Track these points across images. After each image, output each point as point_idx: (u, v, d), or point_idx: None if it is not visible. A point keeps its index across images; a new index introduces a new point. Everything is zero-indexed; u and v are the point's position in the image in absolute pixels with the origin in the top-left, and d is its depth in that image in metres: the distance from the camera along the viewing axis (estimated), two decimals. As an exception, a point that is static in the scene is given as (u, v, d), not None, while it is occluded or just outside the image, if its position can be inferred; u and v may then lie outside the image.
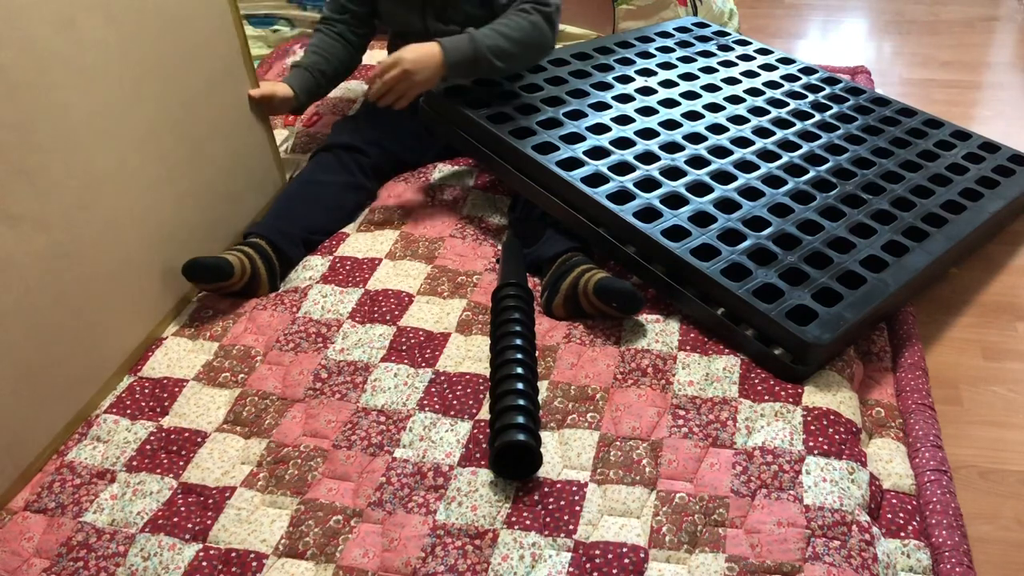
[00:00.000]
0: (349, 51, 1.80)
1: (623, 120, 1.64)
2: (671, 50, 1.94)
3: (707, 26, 2.09)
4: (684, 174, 1.52)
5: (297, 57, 2.23)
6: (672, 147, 1.59)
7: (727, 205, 1.45)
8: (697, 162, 1.56)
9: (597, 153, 1.53)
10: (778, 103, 1.79)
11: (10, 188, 1.10)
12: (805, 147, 1.64)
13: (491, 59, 1.53)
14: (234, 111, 1.56)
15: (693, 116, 1.69)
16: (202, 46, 1.46)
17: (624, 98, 1.72)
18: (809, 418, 1.18)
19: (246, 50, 1.57)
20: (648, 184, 1.48)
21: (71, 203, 1.19)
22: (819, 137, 1.68)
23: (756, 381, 1.24)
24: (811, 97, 1.83)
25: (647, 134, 1.62)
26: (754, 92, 1.81)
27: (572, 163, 1.49)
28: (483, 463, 1.14)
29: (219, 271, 1.39)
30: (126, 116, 1.30)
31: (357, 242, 1.57)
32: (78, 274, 1.21)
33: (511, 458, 1.11)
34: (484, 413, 1.21)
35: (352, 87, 2.09)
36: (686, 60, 1.91)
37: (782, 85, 1.86)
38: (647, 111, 1.69)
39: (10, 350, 1.11)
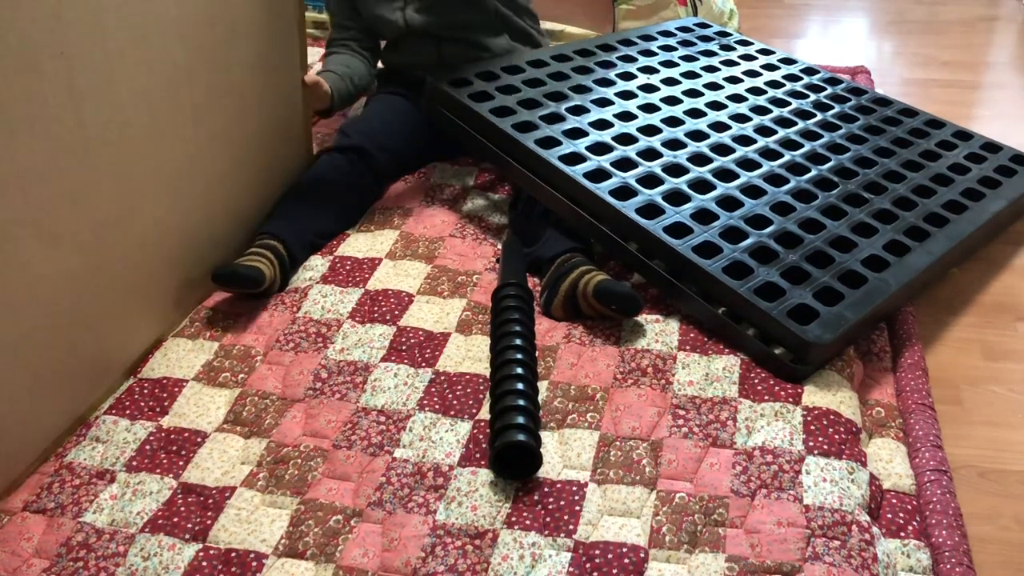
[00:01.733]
0: (366, 63, 1.85)
1: (625, 116, 1.64)
2: (673, 48, 1.94)
3: (709, 26, 2.09)
4: (686, 171, 1.52)
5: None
6: (674, 144, 1.59)
7: (729, 203, 1.45)
8: (699, 159, 1.56)
9: (599, 149, 1.53)
10: (780, 102, 1.79)
11: (56, 210, 1.10)
12: (807, 146, 1.64)
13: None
14: (281, 124, 1.56)
15: (695, 113, 1.69)
16: (265, 62, 1.45)
17: (626, 94, 1.72)
18: (809, 418, 1.17)
19: (304, 62, 1.56)
20: (650, 181, 1.47)
21: (109, 222, 1.19)
22: (821, 136, 1.68)
23: (756, 381, 1.24)
24: (813, 97, 1.83)
25: (649, 130, 1.62)
26: (756, 91, 1.81)
27: (574, 158, 1.49)
28: (483, 463, 1.14)
29: (255, 282, 1.38)
30: (180, 136, 1.29)
31: (357, 242, 1.57)
32: (103, 289, 1.22)
33: (511, 458, 1.11)
34: (484, 413, 1.21)
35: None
36: (688, 59, 1.91)
37: (784, 84, 1.86)
38: (649, 108, 1.69)
39: (33, 358, 1.11)
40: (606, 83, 1.75)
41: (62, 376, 1.18)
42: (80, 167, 1.12)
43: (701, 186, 1.49)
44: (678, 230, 1.37)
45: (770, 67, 1.94)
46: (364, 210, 1.66)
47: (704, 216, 1.41)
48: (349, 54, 1.82)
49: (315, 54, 2.24)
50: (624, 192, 1.43)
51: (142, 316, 1.32)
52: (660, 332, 1.33)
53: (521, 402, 1.14)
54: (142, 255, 1.28)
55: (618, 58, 1.85)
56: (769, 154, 1.60)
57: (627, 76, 1.79)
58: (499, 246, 1.55)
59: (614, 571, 1.00)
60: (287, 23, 1.48)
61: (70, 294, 1.15)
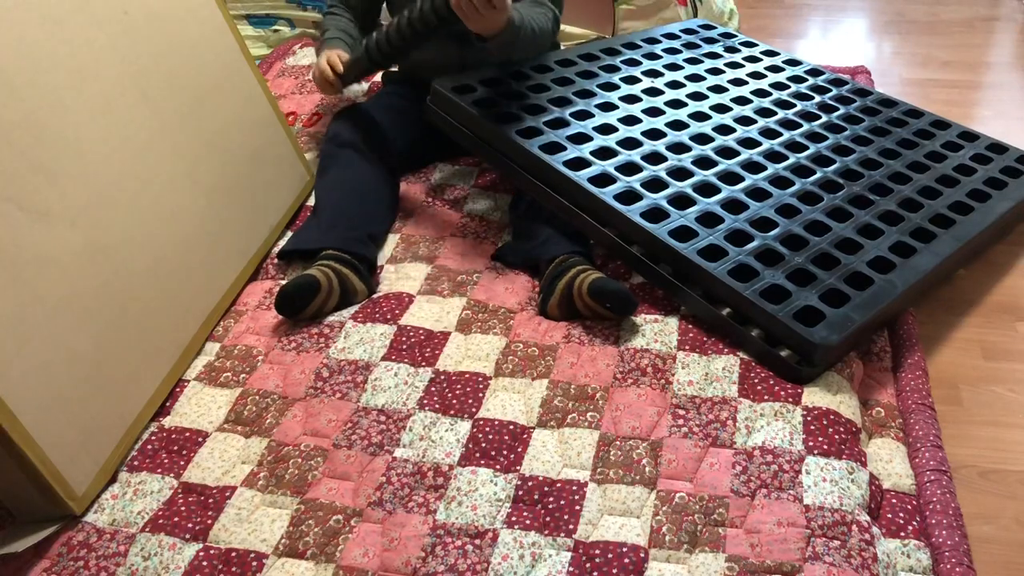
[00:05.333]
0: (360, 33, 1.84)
1: (630, 120, 1.64)
2: (677, 51, 1.94)
3: (713, 28, 2.08)
4: (691, 175, 1.51)
5: (297, 56, 2.23)
6: (679, 148, 1.59)
7: (734, 206, 1.45)
8: (704, 163, 1.56)
9: (604, 153, 1.53)
10: (785, 104, 1.78)
11: (34, 185, 1.11)
12: (812, 148, 1.64)
13: (520, 43, 1.57)
14: (245, 105, 1.58)
15: (700, 117, 1.69)
16: (197, 44, 1.48)
17: (631, 99, 1.72)
18: (809, 418, 1.17)
19: (244, 47, 1.59)
20: (655, 184, 1.47)
21: (94, 199, 1.20)
22: (826, 138, 1.68)
23: (756, 381, 1.24)
24: (818, 98, 1.82)
25: (654, 134, 1.61)
26: (761, 93, 1.81)
27: (579, 163, 1.49)
28: (483, 462, 1.14)
29: (310, 288, 1.36)
30: (131, 113, 1.31)
31: (358, 243, 1.57)
32: (117, 269, 1.22)
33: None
34: (484, 412, 1.21)
35: (351, 87, 2.09)
36: (692, 61, 1.91)
37: (788, 87, 1.86)
38: (654, 112, 1.69)
39: (59, 343, 1.12)
40: (610, 87, 1.75)
41: (110, 358, 1.19)
42: (40, 146, 1.14)
43: (706, 189, 1.48)
44: (683, 234, 1.37)
45: (775, 68, 1.93)
46: (395, 189, 1.66)
47: (710, 219, 1.41)
48: (347, 19, 1.81)
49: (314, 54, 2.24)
50: (629, 196, 1.43)
51: (171, 298, 1.32)
52: (659, 332, 1.33)
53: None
54: (148, 235, 1.29)
55: (622, 62, 1.85)
56: (774, 157, 1.60)
57: (631, 80, 1.79)
58: (499, 245, 1.55)
59: (614, 571, 1.00)
60: (211, 11, 1.53)
61: (86, 272, 1.17)
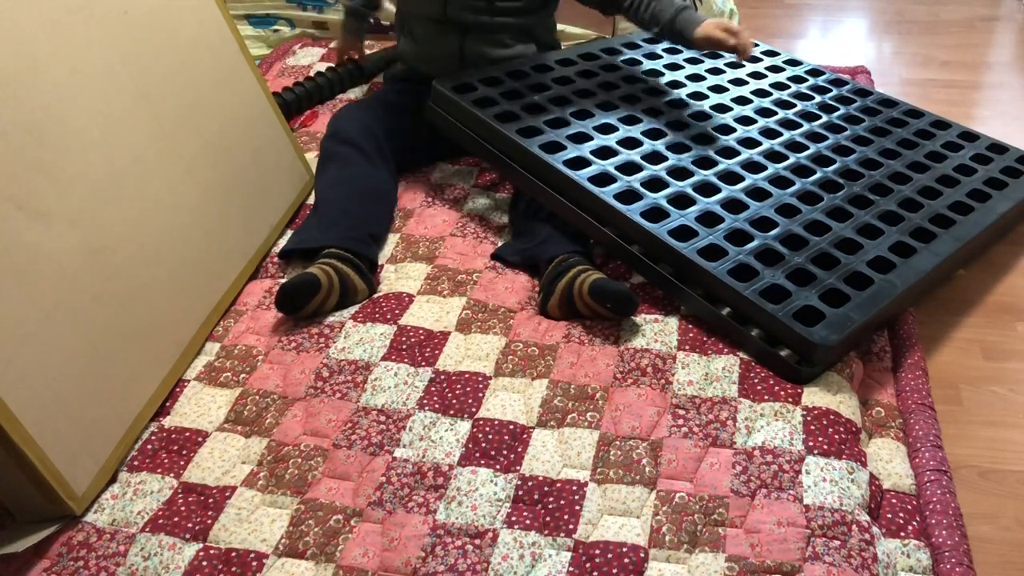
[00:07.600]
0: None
1: (630, 120, 1.64)
2: (677, 51, 1.94)
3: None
4: (691, 174, 1.51)
5: (297, 56, 2.23)
6: (679, 147, 1.59)
7: (734, 205, 1.45)
8: (704, 162, 1.56)
9: (604, 153, 1.53)
10: (785, 104, 1.78)
11: (33, 185, 1.11)
12: (812, 148, 1.64)
13: None
14: (245, 105, 1.58)
15: (700, 117, 1.69)
16: (197, 44, 1.48)
17: (631, 98, 1.72)
18: (809, 418, 1.18)
19: (243, 46, 1.59)
20: (655, 184, 1.47)
21: (93, 199, 1.20)
22: (826, 138, 1.68)
23: (756, 381, 1.24)
24: (818, 98, 1.82)
25: (654, 134, 1.61)
26: (761, 93, 1.81)
27: (579, 162, 1.49)
28: (483, 462, 1.14)
29: (310, 287, 1.35)
30: (131, 113, 1.31)
31: (358, 243, 1.57)
32: (117, 269, 1.22)
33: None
34: (484, 412, 1.21)
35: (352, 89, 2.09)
36: (693, 61, 1.91)
37: (789, 87, 1.86)
38: (654, 111, 1.69)
39: (59, 343, 1.11)
40: (610, 87, 1.75)
41: (104, 359, 1.19)
42: (40, 146, 1.13)
43: (706, 189, 1.48)
44: (683, 233, 1.36)
45: (775, 69, 1.93)
46: (395, 188, 1.67)
47: (709, 219, 1.41)
48: None
49: (316, 54, 2.24)
50: (629, 196, 1.43)
51: (170, 299, 1.32)
52: (659, 332, 1.33)
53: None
54: (146, 235, 1.29)
55: (622, 61, 1.85)
56: (774, 156, 1.60)
57: (631, 79, 1.79)
58: (499, 244, 1.55)
59: (614, 571, 1.00)
60: (210, 11, 1.53)
61: (84, 273, 1.16)
